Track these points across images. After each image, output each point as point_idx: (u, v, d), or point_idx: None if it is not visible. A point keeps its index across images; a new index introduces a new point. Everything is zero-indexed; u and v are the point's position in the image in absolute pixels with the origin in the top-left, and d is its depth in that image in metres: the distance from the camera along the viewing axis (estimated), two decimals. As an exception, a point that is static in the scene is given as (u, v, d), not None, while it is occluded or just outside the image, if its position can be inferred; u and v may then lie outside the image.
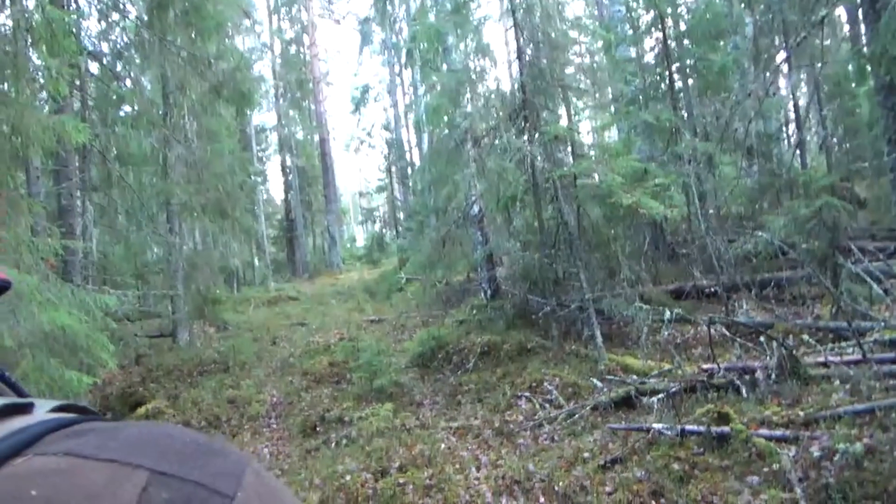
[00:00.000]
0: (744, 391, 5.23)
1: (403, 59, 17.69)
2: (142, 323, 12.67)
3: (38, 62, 7.87)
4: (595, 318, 7.62)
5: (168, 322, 12.39)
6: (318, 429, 7.32)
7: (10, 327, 5.55)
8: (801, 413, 4.56)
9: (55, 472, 0.40)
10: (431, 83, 10.52)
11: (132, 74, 13.26)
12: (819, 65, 9.26)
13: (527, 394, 6.93)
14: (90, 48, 12.62)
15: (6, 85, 6.72)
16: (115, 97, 12.26)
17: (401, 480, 5.11)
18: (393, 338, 11.03)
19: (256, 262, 22.61)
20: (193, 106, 12.85)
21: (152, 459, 0.43)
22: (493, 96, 9.55)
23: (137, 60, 12.78)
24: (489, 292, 10.24)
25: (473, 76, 9.95)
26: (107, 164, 11.73)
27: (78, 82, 11.69)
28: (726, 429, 4.46)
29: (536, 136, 8.62)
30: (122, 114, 12.54)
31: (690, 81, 12.74)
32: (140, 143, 12.29)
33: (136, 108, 11.98)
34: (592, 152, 9.76)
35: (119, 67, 13.23)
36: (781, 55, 9.88)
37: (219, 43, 12.45)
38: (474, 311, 10.16)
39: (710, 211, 9.82)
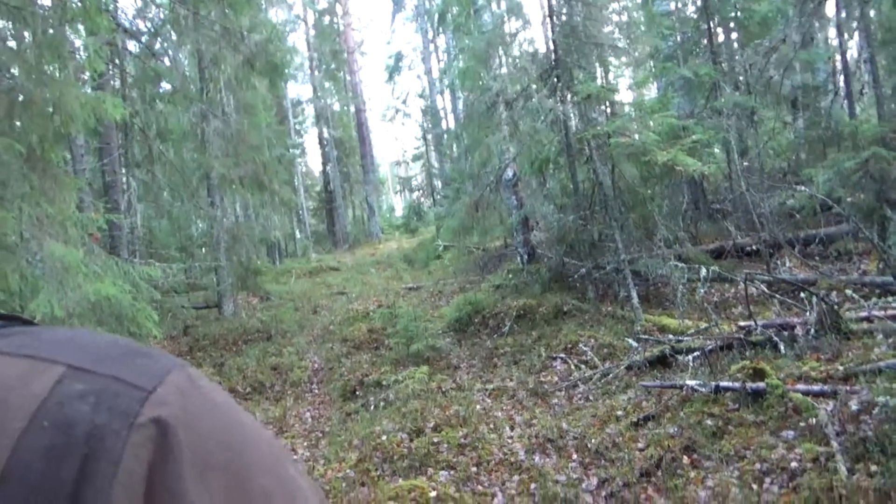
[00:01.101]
0: (782, 348, 5.12)
1: (436, 25, 17.51)
2: (188, 295, 13.05)
3: (77, 43, 8.07)
4: (631, 279, 7.53)
5: (213, 293, 12.75)
6: (357, 393, 7.48)
7: (59, 299, 5.78)
8: (841, 367, 4.45)
9: None
10: (463, 46, 10.38)
11: (169, 51, 13.48)
12: (870, 10, 8.78)
13: (562, 355, 6.93)
14: (127, 26, 12.82)
15: (46, 64, 6.90)
16: (153, 74, 12.47)
17: (435, 439, 5.21)
18: (430, 304, 11.12)
19: (297, 233, 22.97)
20: (229, 80, 13.02)
21: (71, 356, 0.44)
22: (524, 57, 9.38)
23: (173, 37, 12.96)
24: (525, 257, 10.20)
25: (506, 37, 9.79)
26: (147, 140, 12.02)
27: (117, 61, 11.94)
28: (762, 384, 4.39)
29: (569, 96, 8.46)
30: (160, 90, 12.77)
31: (733, 35, 12.25)
32: (178, 118, 12.55)
33: (173, 84, 12.21)
34: (628, 110, 9.52)
35: (157, 45, 13.45)
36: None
37: (252, 16, 12.51)
38: (510, 276, 10.15)
39: (751, 166, 9.52)
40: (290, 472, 0.48)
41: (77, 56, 8.02)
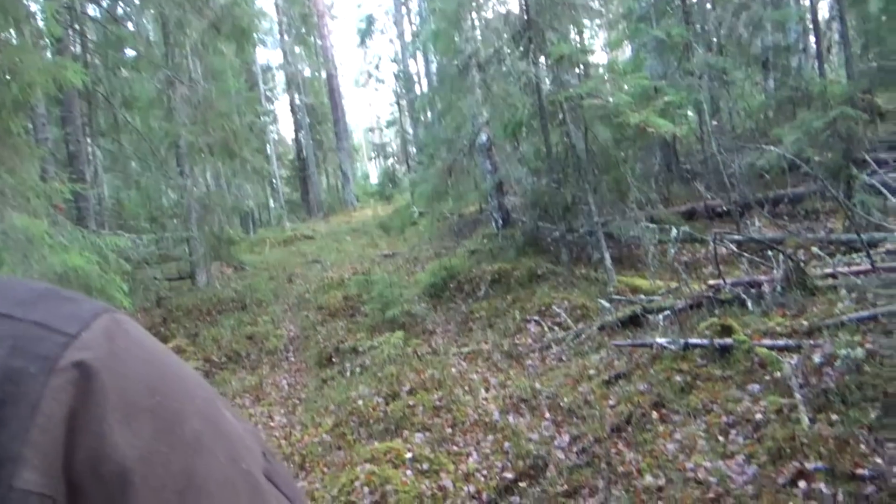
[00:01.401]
0: (749, 305, 5.22)
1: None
2: (161, 266, 12.86)
3: (33, 7, 7.76)
4: (604, 241, 7.58)
5: (186, 264, 12.59)
6: (333, 359, 7.49)
7: (23, 271, 5.66)
8: (805, 322, 4.55)
9: None
10: (434, 7, 10.20)
11: (132, 16, 13.05)
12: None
13: (536, 318, 7.00)
14: (86, -10, 12.35)
15: (1, 30, 6.63)
16: (115, 39, 12.06)
17: (411, 403, 5.25)
18: (406, 270, 11.11)
19: (271, 202, 22.70)
20: (195, 45, 12.68)
21: None
22: (496, 18, 9.25)
23: (136, 1, 12.55)
24: (500, 221, 10.21)
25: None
26: (112, 108, 11.70)
27: (76, 26, 11.54)
28: (729, 340, 4.48)
29: (542, 58, 8.38)
30: (124, 57, 12.38)
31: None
32: (144, 85, 12.21)
33: (137, 50, 11.85)
34: (601, 72, 9.47)
35: (119, 10, 13.01)
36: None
37: (216, -22, 12.13)
38: (485, 241, 10.18)
39: (722, 127, 9.57)
40: (225, 415, 0.47)
41: (33, 21, 7.72)
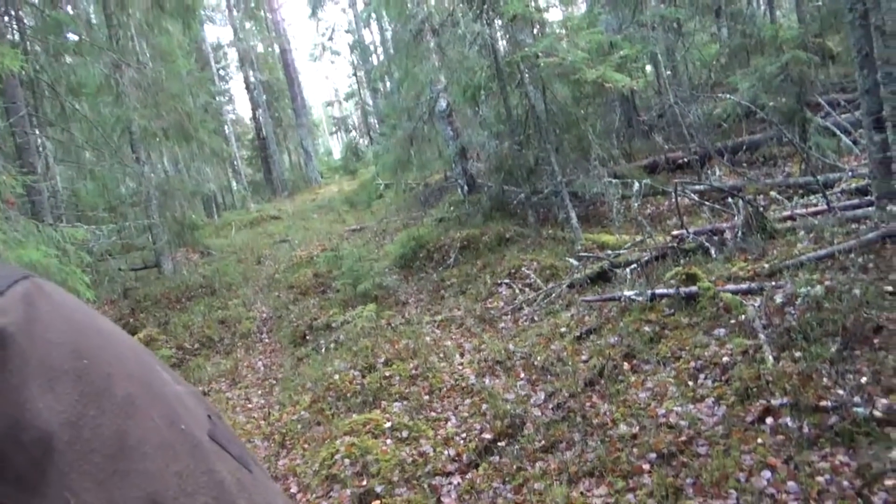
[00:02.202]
0: (713, 252, 5.31)
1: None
2: (125, 257, 12.61)
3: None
4: (569, 200, 7.62)
5: (150, 253, 12.35)
6: (307, 337, 7.46)
7: (-22, 269, 5.48)
8: (766, 265, 4.66)
9: None
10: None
11: (70, -1, 12.53)
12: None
13: (506, 281, 7.04)
14: (17, -26, 11.79)
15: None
16: (54, 24, 11.58)
17: (387, 374, 5.27)
18: (375, 244, 11.06)
19: (234, 185, 22.31)
20: (139, 25, 12.27)
21: None
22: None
23: (72, -18, 12.04)
24: (465, 188, 10.18)
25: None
26: (58, 96, 11.28)
27: (13, 11, 11.03)
28: (694, 288, 4.56)
29: (496, 18, 8.28)
30: (65, 41, 11.90)
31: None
32: (89, 70, 11.77)
33: (78, 33, 11.40)
34: (556, 29, 9.40)
35: (55, -7, 12.45)
36: None
37: (155, -46, 11.68)
38: (452, 208, 10.16)
39: (678, 78, 9.62)
40: (163, 377, 0.46)
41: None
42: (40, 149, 11.19)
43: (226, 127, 21.86)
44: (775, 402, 3.26)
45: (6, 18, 10.74)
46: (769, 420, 3.19)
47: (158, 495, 0.39)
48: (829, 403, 3.11)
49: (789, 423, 3.10)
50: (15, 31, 11.38)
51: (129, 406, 0.41)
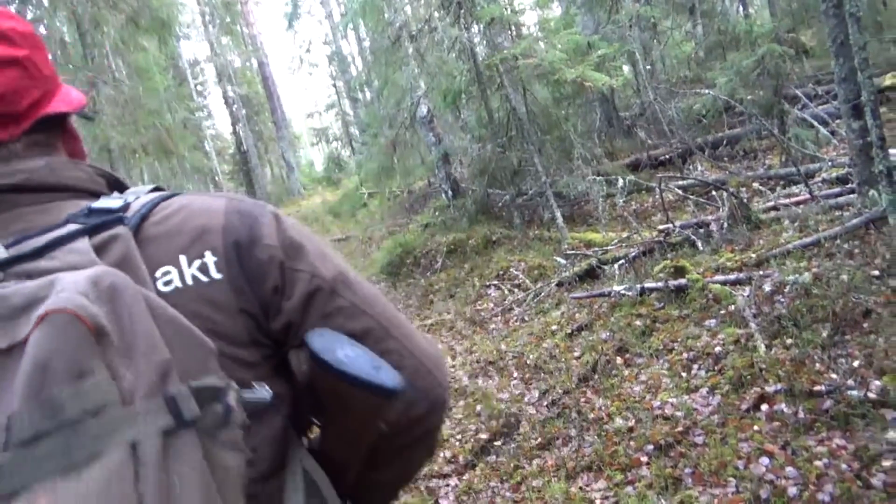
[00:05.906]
0: (699, 244, 5.33)
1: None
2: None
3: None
4: (554, 200, 7.62)
5: (133, 271, 12.19)
6: (296, 347, 7.39)
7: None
8: (753, 255, 4.68)
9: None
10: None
11: (43, 19, 12.40)
12: None
13: (495, 282, 7.03)
14: (-11, -6, 11.66)
15: None
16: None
17: (379, 380, 5.21)
18: (361, 252, 11.01)
19: (216, 200, 22.07)
20: (115, 43, 12.16)
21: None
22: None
23: (45, 2, 11.91)
24: (449, 192, 10.17)
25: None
26: (34, 116, 11.14)
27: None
28: (683, 281, 4.57)
29: (473, 22, 8.30)
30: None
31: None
32: (65, 90, 11.66)
33: (53, 53, 11.28)
34: (533, 31, 9.45)
35: (28, 14, 12.33)
36: None
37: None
38: (437, 213, 10.13)
39: (657, 76, 9.70)
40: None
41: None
42: (17, 170, 11.05)
43: (206, 143, 21.72)
44: (769, 389, 3.26)
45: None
46: (764, 407, 3.19)
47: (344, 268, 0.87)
48: (824, 388, 3.11)
49: (784, 410, 3.10)
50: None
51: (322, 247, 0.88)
